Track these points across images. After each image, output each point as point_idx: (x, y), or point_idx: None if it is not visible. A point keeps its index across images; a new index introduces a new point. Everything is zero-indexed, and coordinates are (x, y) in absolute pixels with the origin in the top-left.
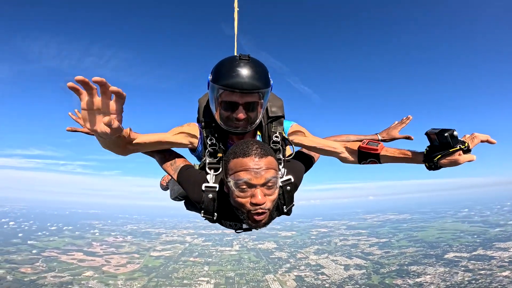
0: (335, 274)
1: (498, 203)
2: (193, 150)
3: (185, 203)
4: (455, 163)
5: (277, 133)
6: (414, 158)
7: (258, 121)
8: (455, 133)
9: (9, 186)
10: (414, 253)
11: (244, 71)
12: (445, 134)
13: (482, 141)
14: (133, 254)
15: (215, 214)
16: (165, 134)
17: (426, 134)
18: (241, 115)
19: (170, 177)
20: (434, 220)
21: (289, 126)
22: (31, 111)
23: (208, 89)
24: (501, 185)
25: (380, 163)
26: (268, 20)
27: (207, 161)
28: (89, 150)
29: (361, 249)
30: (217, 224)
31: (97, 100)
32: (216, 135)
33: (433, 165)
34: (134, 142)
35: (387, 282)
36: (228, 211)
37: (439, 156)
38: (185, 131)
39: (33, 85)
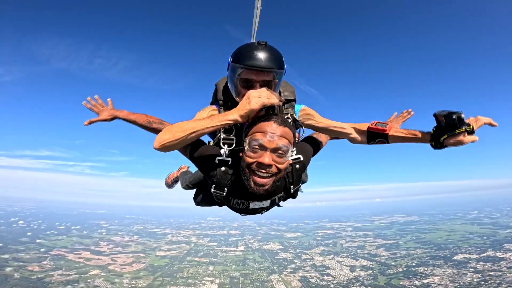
0: (340, 275)
1: (508, 205)
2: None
3: (194, 198)
4: (460, 143)
5: (289, 114)
6: (421, 137)
7: None
8: (462, 115)
9: (19, 186)
10: (422, 255)
11: (262, 53)
12: (453, 117)
13: (485, 123)
14: (139, 254)
15: (226, 189)
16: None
17: (434, 115)
18: None
19: (176, 175)
20: (442, 222)
21: (298, 108)
22: (41, 112)
23: (227, 71)
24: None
25: (388, 143)
26: (273, 21)
27: (222, 136)
28: (97, 151)
29: (368, 250)
30: (221, 223)
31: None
32: None
33: (439, 145)
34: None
35: (393, 283)
36: (237, 188)
37: (446, 136)
38: (207, 114)
39: (43, 87)
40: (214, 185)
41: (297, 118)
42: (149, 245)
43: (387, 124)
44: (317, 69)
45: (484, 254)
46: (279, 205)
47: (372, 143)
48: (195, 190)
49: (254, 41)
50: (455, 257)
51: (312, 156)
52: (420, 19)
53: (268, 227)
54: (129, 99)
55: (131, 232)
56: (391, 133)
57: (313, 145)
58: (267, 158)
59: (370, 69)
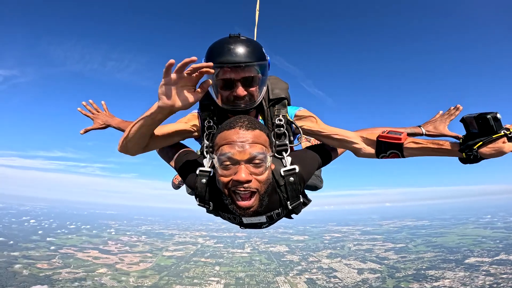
0: (348, 277)
1: None
2: (198, 138)
3: None
4: (500, 152)
5: (280, 116)
6: (448, 148)
7: (260, 98)
8: (498, 115)
9: (32, 186)
10: (432, 258)
11: (236, 47)
12: (487, 117)
13: None
14: (146, 253)
15: (211, 203)
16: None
17: (462, 120)
18: (241, 91)
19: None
20: (454, 226)
21: (295, 110)
22: (55, 114)
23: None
24: None
25: (403, 156)
26: (281, 24)
27: (205, 144)
28: (108, 153)
29: (376, 253)
30: (228, 225)
31: (175, 76)
32: (215, 118)
33: (472, 156)
34: (155, 134)
35: (402, 286)
36: (223, 202)
37: (480, 143)
38: (186, 119)
39: (57, 89)
40: (197, 198)
41: (291, 120)
42: (156, 245)
43: (402, 133)
44: (325, 71)
45: (496, 258)
46: (290, 217)
47: (382, 157)
48: None
49: (226, 36)
50: (467, 261)
51: (320, 167)
52: (436, 20)
53: (275, 230)
54: (140, 100)
55: (139, 232)
56: (406, 143)
57: (322, 154)
58: (243, 173)
59: (383, 71)
